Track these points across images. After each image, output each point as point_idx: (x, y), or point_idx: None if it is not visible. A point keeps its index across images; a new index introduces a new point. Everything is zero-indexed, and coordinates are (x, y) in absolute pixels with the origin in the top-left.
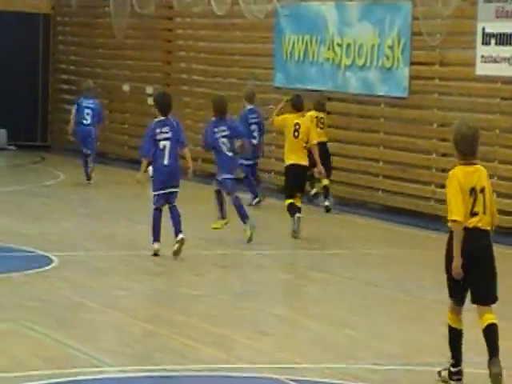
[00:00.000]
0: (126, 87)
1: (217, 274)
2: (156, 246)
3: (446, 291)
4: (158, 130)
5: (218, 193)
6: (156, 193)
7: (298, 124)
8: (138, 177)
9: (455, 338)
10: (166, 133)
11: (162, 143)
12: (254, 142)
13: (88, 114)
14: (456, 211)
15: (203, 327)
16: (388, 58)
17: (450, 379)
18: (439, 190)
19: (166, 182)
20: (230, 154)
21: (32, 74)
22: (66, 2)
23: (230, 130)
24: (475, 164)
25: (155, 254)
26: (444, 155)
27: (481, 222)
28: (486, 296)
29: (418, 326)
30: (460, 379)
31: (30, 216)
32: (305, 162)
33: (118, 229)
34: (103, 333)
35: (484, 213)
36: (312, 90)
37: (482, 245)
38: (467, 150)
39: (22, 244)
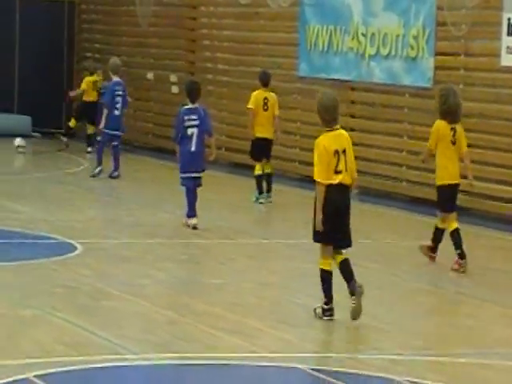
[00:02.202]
0: (150, 75)
1: (241, 263)
2: (194, 221)
3: (467, 283)
4: (186, 117)
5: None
6: (183, 175)
7: (266, 98)
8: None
9: (328, 279)
10: (194, 120)
11: (189, 130)
12: (117, 113)
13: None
14: (320, 174)
15: (227, 316)
16: (413, 48)
17: (324, 315)
18: (464, 180)
19: (192, 167)
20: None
21: (57, 61)
22: None
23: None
24: (337, 129)
25: (194, 228)
26: (468, 146)
27: (344, 178)
28: (347, 240)
29: (441, 318)
30: (332, 315)
31: (55, 203)
32: (272, 136)
33: (142, 217)
34: (127, 320)
35: (346, 170)
36: (336, 80)
37: (345, 197)
38: (330, 117)
39: (46, 231)
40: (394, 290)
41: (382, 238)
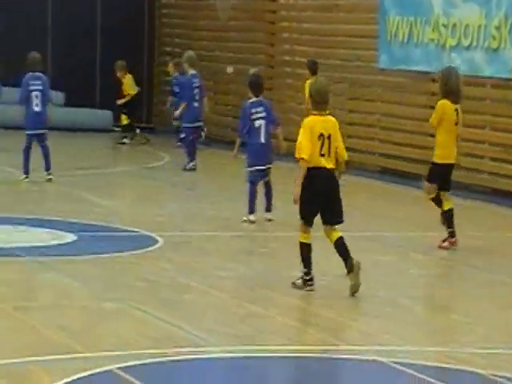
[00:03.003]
0: (229, 69)
1: (321, 255)
2: (252, 217)
3: None
4: (253, 110)
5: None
6: (251, 169)
7: None
8: (233, 153)
9: (307, 251)
10: (261, 112)
11: (257, 122)
12: (196, 105)
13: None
14: (304, 151)
15: (307, 309)
16: (494, 39)
17: (305, 285)
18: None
19: (263, 158)
20: None
21: (138, 57)
22: None
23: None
24: (326, 114)
25: (249, 222)
26: None
27: (327, 162)
28: (335, 217)
29: None
30: (313, 284)
31: (136, 197)
32: None
33: (222, 210)
34: (208, 313)
35: (329, 155)
36: (416, 72)
37: (328, 179)
38: (321, 100)
39: (127, 225)
40: (474, 282)
41: (463, 229)
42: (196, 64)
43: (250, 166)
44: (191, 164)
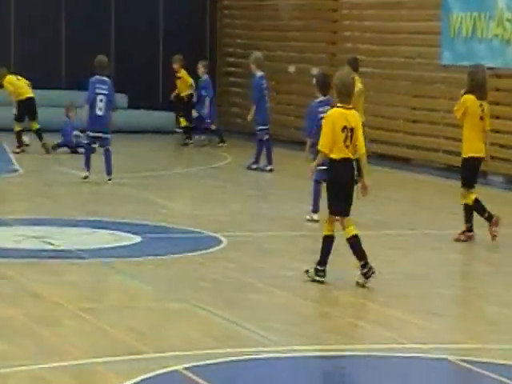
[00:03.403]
0: (291, 68)
1: (386, 254)
2: (316, 216)
3: None
4: (320, 109)
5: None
6: (319, 168)
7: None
8: (305, 155)
9: (329, 244)
10: (326, 112)
11: None
12: (266, 106)
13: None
14: (324, 143)
15: (372, 307)
16: None
17: (317, 275)
18: None
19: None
20: None
21: (200, 57)
22: None
23: None
24: (350, 108)
25: (312, 221)
26: None
27: (350, 153)
28: (347, 210)
29: None
30: (324, 275)
31: (199, 198)
32: None
33: (285, 210)
34: (272, 313)
35: (352, 146)
36: None
37: (352, 169)
38: (346, 92)
39: (191, 225)
40: None
41: None
42: (263, 65)
43: (317, 165)
44: (269, 167)
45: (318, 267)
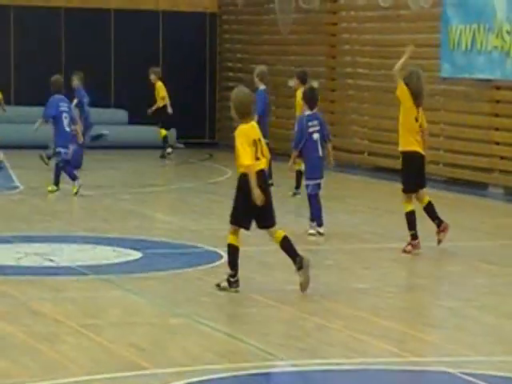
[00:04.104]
0: (291, 83)
1: (386, 267)
2: (321, 230)
3: None
4: (309, 124)
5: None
6: (311, 182)
7: None
8: (289, 166)
9: (235, 254)
10: (316, 126)
11: (315, 136)
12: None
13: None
14: (248, 158)
15: (372, 320)
16: None
17: (230, 287)
18: None
19: (320, 172)
20: None
21: (199, 72)
22: (232, 0)
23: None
24: (252, 121)
25: (318, 234)
26: None
27: (263, 164)
28: (270, 219)
29: None
30: (238, 285)
31: (199, 213)
32: None
33: (285, 224)
34: (273, 327)
35: (263, 157)
36: (480, 80)
37: (265, 181)
38: (246, 111)
39: (192, 241)
40: None
41: None
42: (266, 79)
43: (309, 179)
44: (269, 181)
45: (231, 279)
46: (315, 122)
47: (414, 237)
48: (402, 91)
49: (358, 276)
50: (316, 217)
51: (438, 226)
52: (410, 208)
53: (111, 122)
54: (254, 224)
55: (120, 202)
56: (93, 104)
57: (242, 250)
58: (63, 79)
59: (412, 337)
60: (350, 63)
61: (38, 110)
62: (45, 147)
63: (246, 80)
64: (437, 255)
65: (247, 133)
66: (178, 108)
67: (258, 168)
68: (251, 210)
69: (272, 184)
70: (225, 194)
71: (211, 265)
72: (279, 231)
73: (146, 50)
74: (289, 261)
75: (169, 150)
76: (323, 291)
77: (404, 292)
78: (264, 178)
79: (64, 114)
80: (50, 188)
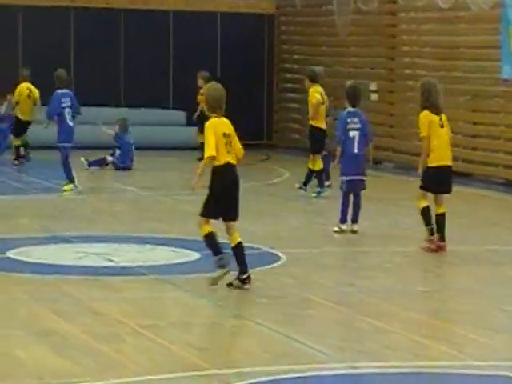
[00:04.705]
0: (373, 86)
1: (445, 270)
2: (344, 226)
3: None
4: (348, 120)
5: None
6: (345, 178)
7: None
8: (334, 163)
9: (214, 240)
10: (356, 123)
11: (351, 133)
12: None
13: None
14: (210, 150)
15: (432, 323)
16: None
17: (244, 283)
18: None
19: (355, 169)
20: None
21: (257, 74)
22: (290, 2)
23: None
24: (222, 116)
25: (340, 231)
26: None
27: (232, 158)
28: (233, 214)
29: None
30: (250, 281)
31: (257, 214)
32: None
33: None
34: (332, 329)
35: (233, 151)
36: None
37: (234, 174)
38: (217, 105)
39: (249, 241)
40: None
41: None
42: (322, 80)
43: (343, 175)
44: (327, 183)
45: (241, 276)
46: (355, 120)
47: (432, 232)
48: (423, 124)
49: (417, 279)
50: (341, 212)
51: (441, 239)
52: (424, 204)
53: (170, 123)
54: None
55: (179, 203)
56: (152, 105)
57: (300, 252)
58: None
59: (472, 340)
60: (409, 65)
61: (98, 110)
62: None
63: (304, 81)
64: (498, 259)
65: (216, 126)
66: (235, 110)
67: (226, 160)
68: (222, 203)
69: (329, 185)
70: (283, 196)
71: (270, 266)
72: (237, 235)
73: (203, 52)
74: (347, 262)
75: None
76: (382, 294)
77: (464, 295)
78: (232, 170)
79: (67, 110)
80: (66, 187)
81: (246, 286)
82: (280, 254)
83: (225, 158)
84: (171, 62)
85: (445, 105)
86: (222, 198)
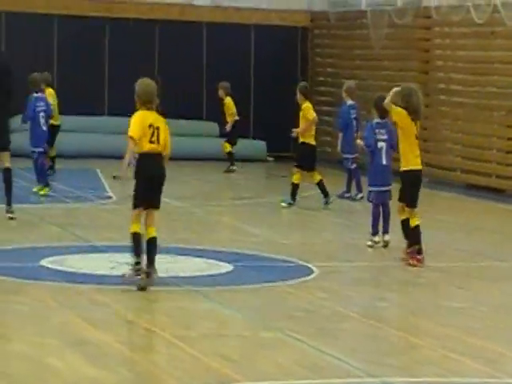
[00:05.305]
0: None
1: (478, 286)
2: (376, 238)
3: None
4: (377, 131)
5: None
6: (373, 189)
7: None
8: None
9: (139, 241)
10: (383, 134)
11: (379, 144)
12: (354, 135)
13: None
14: (134, 132)
15: (465, 340)
16: None
17: (137, 275)
18: None
19: (383, 180)
20: None
21: (290, 87)
22: (324, 15)
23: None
24: (152, 110)
25: (374, 244)
26: None
27: (156, 148)
28: (156, 202)
29: None
30: (141, 273)
31: (289, 226)
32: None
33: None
34: (364, 343)
35: (158, 143)
36: None
37: (157, 163)
38: (147, 99)
39: (282, 254)
40: None
41: None
42: (354, 95)
43: (371, 186)
44: (359, 195)
45: (136, 266)
46: (382, 131)
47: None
48: (400, 114)
49: (451, 294)
50: (372, 225)
51: (419, 251)
52: (403, 216)
53: (203, 133)
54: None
55: (211, 213)
56: (185, 116)
57: (334, 265)
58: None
59: (508, 358)
60: (443, 79)
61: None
62: None
63: (337, 94)
64: None
65: (144, 116)
66: (268, 122)
67: (150, 148)
68: (146, 190)
69: (362, 197)
70: (315, 208)
71: (302, 279)
72: (154, 229)
73: (236, 64)
74: (379, 276)
75: (233, 167)
76: (415, 309)
77: (498, 312)
78: (154, 159)
79: (41, 114)
80: (41, 192)
81: (138, 277)
82: (313, 267)
83: (148, 146)
84: (205, 74)
85: (479, 120)
86: (146, 186)
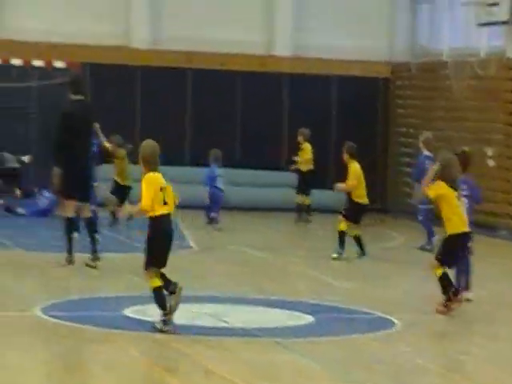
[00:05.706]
0: (489, 152)
1: None
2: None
3: None
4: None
5: None
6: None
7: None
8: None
9: (163, 293)
10: (465, 190)
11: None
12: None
13: None
14: (147, 201)
15: None
16: None
17: (165, 325)
18: None
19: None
20: None
21: (371, 137)
22: (405, 65)
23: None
24: (158, 171)
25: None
26: None
27: (169, 209)
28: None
29: None
30: (171, 324)
31: (371, 278)
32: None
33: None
34: None
35: (168, 204)
36: None
37: (171, 224)
38: (153, 161)
39: (364, 306)
40: None
41: None
42: (431, 146)
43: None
44: (427, 247)
45: (164, 318)
46: (464, 187)
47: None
48: (441, 190)
49: None
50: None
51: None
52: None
53: (281, 184)
54: None
55: (290, 264)
56: (265, 167)
57: (414, 317)
58: None
59: None
60: None
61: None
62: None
63: (418, 145)
64: None
65: (153, 180)
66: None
67: (163, 211)
68: (166, 252)
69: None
70: (397, 260)
71: (384, 331)
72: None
73: (317, 114)
74: (461, 330)
75: (309, 217)
76: (499, 363)
77: None
78: (168, 221)
79: None
80: None
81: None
82: (394, 320)
83: (162, 209)
84: (286, 125)
85: None
86: (165, 247)
